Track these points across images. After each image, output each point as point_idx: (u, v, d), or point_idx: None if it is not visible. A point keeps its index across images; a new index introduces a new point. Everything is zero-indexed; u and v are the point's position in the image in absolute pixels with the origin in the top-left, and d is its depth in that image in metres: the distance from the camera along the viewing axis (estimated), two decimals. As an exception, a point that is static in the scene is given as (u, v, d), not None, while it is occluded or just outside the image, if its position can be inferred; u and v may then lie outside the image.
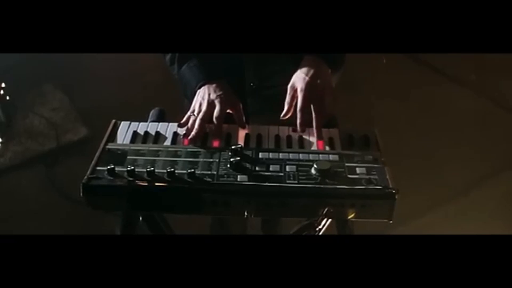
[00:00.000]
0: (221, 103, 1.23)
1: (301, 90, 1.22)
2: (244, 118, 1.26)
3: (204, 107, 1.23)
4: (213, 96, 1.24)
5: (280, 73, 1.31)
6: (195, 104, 1.26)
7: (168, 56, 1.40)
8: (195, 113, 1.23)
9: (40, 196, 2.76)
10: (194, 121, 1.22)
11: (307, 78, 1.23)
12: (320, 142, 1.19)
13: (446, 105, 3.24)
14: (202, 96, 1.26)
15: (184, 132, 1.22)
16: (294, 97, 1.25)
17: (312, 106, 1.21)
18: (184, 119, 1.25)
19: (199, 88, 1.29)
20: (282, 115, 1.26)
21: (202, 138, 1.21)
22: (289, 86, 1.26)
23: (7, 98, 3.14)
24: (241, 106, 1.27)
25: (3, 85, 3.13)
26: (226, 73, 1.31)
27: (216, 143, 1.19)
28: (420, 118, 3.13)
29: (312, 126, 1.21)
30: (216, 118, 1.21)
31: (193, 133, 1.19)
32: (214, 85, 1.27)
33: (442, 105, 3.25)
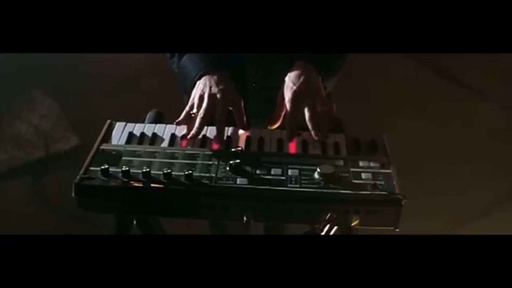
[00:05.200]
0: (222, 100, 1.27)
1: (289, 99, 1.29)
2: (245, 117, 1.30)
3: (204, 103, 1.27)
4: (214, 89, 1.29)
5: (283, 74, 1.37)
6: (194, 97, 1.30)
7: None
8: (195, 110, 1.28)
9: (27, 208, 2.82)
10: (194, 119, 1.27)
11: (294, 87, 1.30)
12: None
13: (469, 118, 3.30)
14: (202, 89, 1.30)
15: (182, 132, 1.28)
16: (282, 106, 1.32)
17: (305, 113, 1.27)
18: (182, 115, 1.29)
19: (199, 78, 1.33)
20: (270, 124, 1.33)
21: (201, 140, 1.27)
22: (278, 94, 1.34)
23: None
24: (242, 103, 1.32)
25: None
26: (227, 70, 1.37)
27: (216, 146, 1.25)
28: (439, 131, 3.19)
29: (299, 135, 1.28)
30: (218, 120, 1.27)
31: (192, 132, 1.25)
32: (215, 76, 1.32)
33: (464, 118, 3.31)
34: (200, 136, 1.27)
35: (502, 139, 3.13)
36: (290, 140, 1.27)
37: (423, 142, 3.10)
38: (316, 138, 1.25)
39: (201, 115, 1.27)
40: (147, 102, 3.14)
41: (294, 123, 1.28)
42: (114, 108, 3.18)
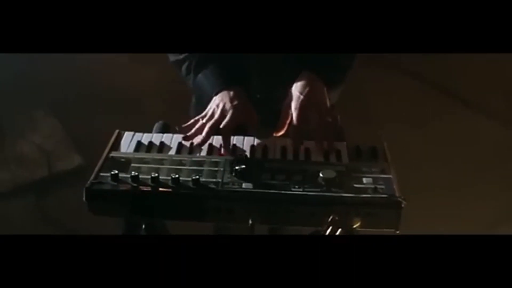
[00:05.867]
0: (233, 113, 1.35)
1: (295, 108, 1.36)
2: (257, 130, 1.38)
3: (216, 115, 1.36)
4: (228, 105, 1.37)
5: (286, 85, 1.45)
6: (207, 110, 1.39)
7: (184, 66, 1.54)
8: (205, 120, 1.36)
9: (29, 227, 2.87)
10: (202, 126, 1.34)
11: (301, 96, 1.37)
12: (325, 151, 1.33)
13: (472, 137, 3.37)
14: (217, 104, 1.39)
15: (188, 134, 1.35)
16: (288, 114, 1.39)
17: (311, 122, 1.34)
18: (191, 121, 1.38)
19: (216, 95, 1.42)
20: (275, 132, 1.40)
21: (207, 148, 1.34)
22: (284, 103, 1.41)
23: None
24: (256, 117, 1.40)
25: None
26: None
27: (223, 154, 1.32)
28: (441, 149, 3.25)
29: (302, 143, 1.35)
30: (224, 128, 1.34)
31: (198, 139, 1.32)
32: (231, 92, 1.40)
33: (467, 137, 3.38)
34: (206, 145, 1.34)
35: (505, 157, 3.19)
36: (296, 148, 1.33)
37: (425, 159, 3.17)
38: (320, 148, 1.32)
39: (210, 124, 1.35)
40: (151, 121, 3.23)
41: (300, 132, 1.34)
42: (117, 128, 3.25)
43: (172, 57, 1.59)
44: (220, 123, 1.35)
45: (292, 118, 1.37)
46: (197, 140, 1.33)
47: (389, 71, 4.10)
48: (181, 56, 1.55)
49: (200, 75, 1.50)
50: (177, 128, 1.39)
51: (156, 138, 1.39)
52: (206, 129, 1.34)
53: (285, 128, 1.40)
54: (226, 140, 1.34)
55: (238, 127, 1.38)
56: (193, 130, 1.36)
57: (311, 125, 1.36)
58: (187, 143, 1.36)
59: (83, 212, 1.21)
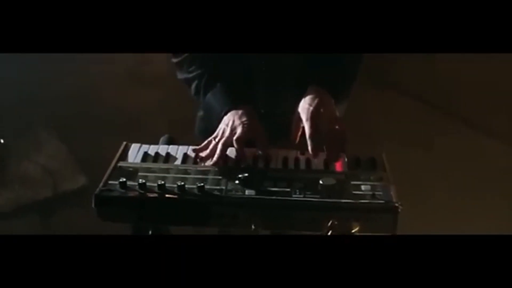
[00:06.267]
0: (243, 128, 1.42)
1: (307, 119, 1.43)
2: (267, 145, 1.45)
3: (227, 133, 1.43)
4: (237, 122, 1.44)
5: (289, 101, 1.52)
6: (218, 130, 1.46)
7: (193, 85, 1.62)
8: (217, 139, 1.43)
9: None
10: (216, 145, 1.41)
11: (311, 108, 1.44)
12: (338, 163, 1.39)
13: (476, 157, 3.43)
14: (226, 123, 1.46)
15: (203, 155, 1.42)
16: (299, 126, 1.46)
17: (322, 134, 1.41)
18: (204, 143, 1.45)
19: (225, 114, 1.49)
20: (288, 144, 1.47)
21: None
22: (294, 116, 1.48)
23: (1, 141, 3.38)
24: (264, 133, 1.47)
25: (-4, 128, 3.41)
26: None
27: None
28: (445, 169, 3.31)
29: (323, 151, 1.41)
30: (236, 140, 1.40)
31: (214, 158, 1.39)
32: (240, 111, 1.48)
33: (471, 157, 3.44)
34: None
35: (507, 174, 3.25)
36: (315, 156, 1.39)
37: (429, 179, 3.23)
38: (329, 158, 1.39)
39: (222, 141, 1.42)
40: (154, 141, 3.31)
41: (317, 140, 1.40)
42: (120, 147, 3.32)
43: (180, 75, 1.67)
44: (231, 139, 1.42)
45: (304, 129, 1.44)
46: (213, 160, 1.39)
47: (389, 91, 4.20)
48: (190, 75, 1.63)
49: (209, 95, 1.58)
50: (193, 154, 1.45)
51: (162, 149, 1.46)
52: (219, 147, 1.41)
53: (297, 140, 1.46)
54: (240, 152, 1.41)
55: (247, 142, 1.45)
56: (208, 151, 1.43)
57: (321, 135, 1.42)
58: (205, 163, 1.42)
59: (87, 231, 1.27)
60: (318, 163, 1.40)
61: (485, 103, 3.79)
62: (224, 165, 1.39)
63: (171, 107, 3.73)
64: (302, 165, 1.40)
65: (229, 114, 1.49)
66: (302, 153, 1.43)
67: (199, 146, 1.45)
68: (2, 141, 3.39)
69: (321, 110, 1.44)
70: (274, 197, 1.26)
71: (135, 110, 3.86)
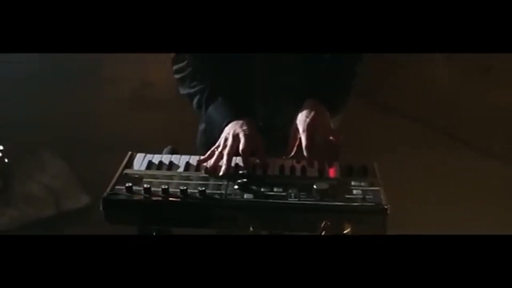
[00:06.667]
0: (246, 138, 1.52)
1: (303, 131, 1.53)
2: (265, 155, 1.54)
3: (230, 142, 1.52)
4: (239, 132, 1.54)
5: (287, 115, 1.63)
6: (220, 140, 1.56)
7: (195, 100, 1.74)
8: (220, 148, 1.53)
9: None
10: (220, 155, 1.51)
11: (308, 120, 1.55)
12: (332, 171, 1.49)
13: (474, 177, 3.53)
14: (228, 132, 1.56)
15: (207, 165, 1.51)
16: (296, 138, 1.56)
17: (319, 145, 1.52)
18: (208, 153, 1.55)
19: (226, 125, 1.60)
20: (284, 154, 1.57)
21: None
22: (292, 128, 1.58)
23: (6, 160, 3.49)
24: (262, 144, 1.56)
25: (0, 147, 3.51)
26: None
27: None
28: (444, 189, 3.41)
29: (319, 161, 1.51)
30: (243, 151, 1.50)
31: (223, 169, 1.47)
32: (240, 122, 1.58)
33: (470, 178, 3.54)
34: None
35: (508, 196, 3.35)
36: (311, 166, 1.49)
37: (427, 199, 3.33)
38: (323, 167, 1.49)
39: (227, 152, 1.51)
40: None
41: (313, 152, 1.50)
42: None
43: (183, 90, 1.79)
44: (235, 149, 1.52)
45: (300, 140, 1.54)
46: (222, 171, 1.47)
47: (389, 114, 4.32)
48: (192, 90, 1.75)
49: (210, 108, 1.70)
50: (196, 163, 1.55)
51: (166, 158, 1.56)
52: (225, 157, 1.50)
53: (294, 150, 1.57)
54: (247, 162, 1.51)
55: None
56: (213, 161, 1.52)
57: (317, 145, 1.52)
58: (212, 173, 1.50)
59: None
60: (313, 170, 1.49)
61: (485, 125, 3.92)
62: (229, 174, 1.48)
63: (172, 129, 3.85)
64: (298, 173, 1.50)
65: (230, 125, 1.60)
66: (298, 162, 1.53)
67: (203, 157, 1.54)
68: (6, 160, 3.49)
69: (317, 122, 1.55)
70: (271, 200, 1.36)
71: (136, 132, 3.98)
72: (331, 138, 1.53)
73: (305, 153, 1.50)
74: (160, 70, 4.57)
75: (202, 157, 1.55)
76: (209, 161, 1.52)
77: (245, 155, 1.50)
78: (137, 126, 4.08)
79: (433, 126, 4.14)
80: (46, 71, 4.48)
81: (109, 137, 3.88)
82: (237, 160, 1.55)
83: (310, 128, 1.53)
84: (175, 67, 1.80)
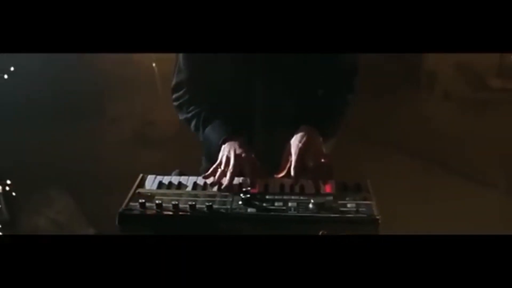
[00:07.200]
0: (247, 159, 1.69)
1: (294, 154, 1.71)
2: (259, 174, 1.70)
3: (232, 162, 1.69)
4: (238, 151, 1.72)
5: (281, 140, 1.79)
6: (221, 158, 1.73)
7: (193, 123, 1.93)
8: (223, 166, 1.69)
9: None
10: (223, 173, 1.67)
11: (300, 144, 1.72)
12: (328, 188, 1.65)
13: (473, 207, 3.66)
14: (228, 151, 1.73)
15: (211, 181, 1.68)
16: (288, 159, 1.73)
17: (308, 166, 1.68)
18: (211, 170, 1.71)
19: (223, 143, 1.77)
20: (276, 173, 1.74)
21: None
22: (285, 151, 1.75)
23: (13, 194, 3.64)
24: (257, 163, 1.73)
25: (8, 181, 3.66)
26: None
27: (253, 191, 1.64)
28: (443, 220, 3.54)
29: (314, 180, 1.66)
30: (249, 173, 1.68)
31: (226, 185, 1.64)
32: (237, 142, 1.76)
33: (468, 208, 3.67)
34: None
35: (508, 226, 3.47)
36: (295, 184, 1.66)
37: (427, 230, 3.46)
38: (316, 186, 1.65)
39: (231, 170, 1.68)
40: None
41: (298, 171, 1.67)
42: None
43: (181, 116, 1.99)
44: (238, 167, 1.69)
45: (291, 162, 1.70)
46: (225, 187, 1.65)
47: (388, 149, 4.49)
48: (189, 115, 1.95)
49: (207, 129, 1.88)
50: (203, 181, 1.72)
51: (175, 179, 1.73)
52: (229, 175, 1.67)
53: (285, 171, 1.73)
54: (253, 181, 1.67)
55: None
56: (217, 178, 1.69)
57: (308, 167, 1.68)
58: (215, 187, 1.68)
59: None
60: (310, 188, 1.65)
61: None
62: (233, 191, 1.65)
63: (174, 166, 4.00)
64: (297, 190, 1.66)
65: (226, 144, 1.77)
66: (299, 182, 1.69)
67: (207, 173, 1.71)
68: (14, 194, 3.64)
69: (309, 146, 1.72)
70: (272, 213, 1.51)
71: (138, 168, 4.12)
72: (322, 160, 1.70)
73: (291, 173, 1.68)
74: (161, 109, 4.81)
75: (206, 174, 1.71)
76: (212, 178, 1.69)
77: (252, 176, 1.68)
78: (139, 163, 4.23)
79: (429, 158, 4.29)
80: (51, 109, 4.66)
81: (113, 174, 4.04)
82: (241, 179, 1.71)
83: (301, 152, 1.71)
84: (174, 95, 2.01)
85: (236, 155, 1.71)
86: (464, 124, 4.90)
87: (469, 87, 5.75)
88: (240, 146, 1.75)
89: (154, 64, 5.15)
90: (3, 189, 3.67)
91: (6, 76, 4.29)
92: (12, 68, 4.32)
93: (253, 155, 1.76)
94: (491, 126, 4.72)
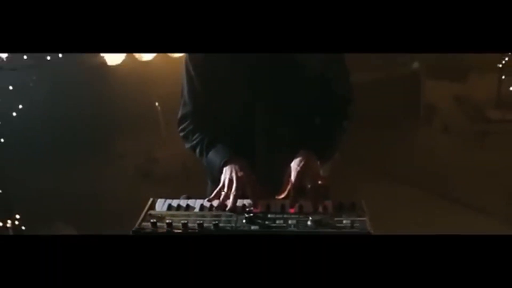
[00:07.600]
0: (249, 182, 1.85)
1: (294, 177, 1.87)
2: (259, 195, 1.86)
3: (234, 183, 1.84)
4: (240, 173, 1.87)
5: (282, 164, 1.95)
6: (224, 180, 1.88)
7: (197, 150, 2.09)
8: (226, 188, 1.85)
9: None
10: (227, 195, 1.83)
11: (298, 168, 1.88)
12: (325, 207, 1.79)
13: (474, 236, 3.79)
14: (230, 173, 1.88)
15: (216, 204, 1.83)
16: (288, 182, 1.88)
17: (306, 187, 1.84)
18: (214, 193, 1.86)
19: (224, 165, 1.93)
20: (277, 195, 1.89)
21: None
22: (286, 174, 1.90)
23: (23, 228, 3.79)
24: (257, 185, 1.89)
25: (17, 216, 3.82)
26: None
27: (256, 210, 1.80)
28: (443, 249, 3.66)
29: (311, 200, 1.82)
30: (252, 196, 1.84)
31: (230, 207, 1.80)
32: (238, 165, 1.92)
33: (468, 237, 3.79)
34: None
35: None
36: (292, 205, 1.81)
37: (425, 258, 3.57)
38: (314, 206, 1.80)
39: (234, 193, 1.84)
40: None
41: (296, 193, 1.83)
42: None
43: (187, 144, 2.16)
44: (240, 190, 1.84)
45: (291, 184, 1.86)
46: (230, 208, 1.80)
47: (386, 178, 4.64)
48: (194, 142, 2.11)
49: (210, 153, 2.04)
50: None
51: (183, 202, 1.88)
52: (232, 197, 1.82)
53: (285, 193, 1.88)
54: (256, 202, 1.83)
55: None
56: (221, 200, 1.84)
57: (306, 189, 1.84)
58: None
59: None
60: (309, 208, 1.80)
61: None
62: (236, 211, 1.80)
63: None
64: (296, 209, 1.81)
65: (228, 166, 1.93)
66: (297, 202, 1.84)
67: (211, 196, 1.86)
68: (24, 228, 3.79)
69: (306, 169, 1.88)
70: (274, 230, 1.66)
71: (143, 203, 4.28)
72: (319, 182, 1.86)
73: (290, 195, 1.84)
74: (164, 147, 4.99)
75: (210, 197, 1.87)
76: (217, 201, 1.85)
77: (255, 198, 1.83)
78: (143, 198, 4.38)
79: (427, 187, 4.44)
80: (56, 148, 4.82)
81: (117, 208, 4.19)
82: (244, 201, 1.86)
83: (299, 175, 1.86)
84: (180, 126, 2.18)
85: (238, 178, 1.86)
86: (462, 155, 5.07)
87: (467, 119, 5.90)
88: (241, 168, 1.90)
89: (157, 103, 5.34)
90: (13, 223, 3.82)
91: (14, 114, 4.45)
92: (20, 106, 4.49)
93: (253, 177, 1.91)
94: (490, 157, 4.88)
